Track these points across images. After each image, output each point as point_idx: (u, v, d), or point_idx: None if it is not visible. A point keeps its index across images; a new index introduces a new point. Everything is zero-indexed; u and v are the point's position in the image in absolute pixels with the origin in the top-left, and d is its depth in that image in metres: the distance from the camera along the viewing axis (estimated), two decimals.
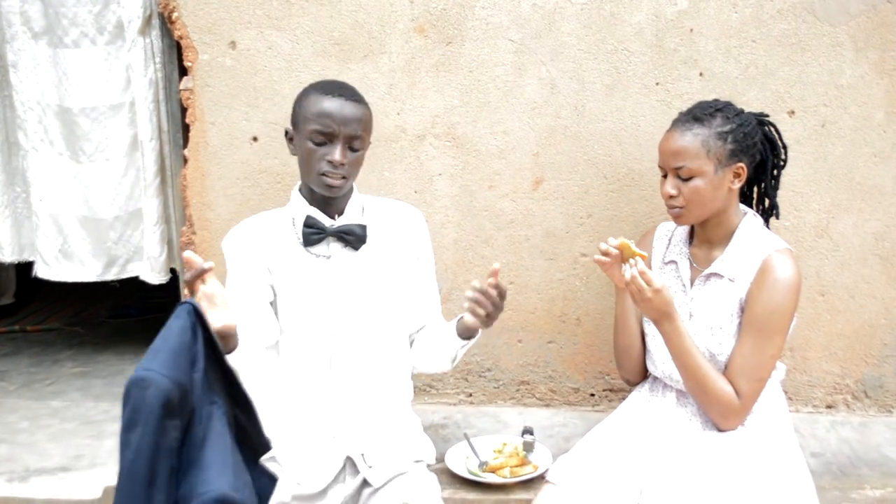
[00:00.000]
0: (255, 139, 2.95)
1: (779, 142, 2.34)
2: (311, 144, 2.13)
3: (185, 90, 2.98)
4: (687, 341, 2.12)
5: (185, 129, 3.07)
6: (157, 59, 3.31)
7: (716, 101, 2.25)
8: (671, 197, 2.19)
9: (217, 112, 2.96)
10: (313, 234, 2.20)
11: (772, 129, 2.34)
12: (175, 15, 2.94)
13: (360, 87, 2.84)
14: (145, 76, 3.27)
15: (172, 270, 3.49)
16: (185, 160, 3.03)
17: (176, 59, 3.08)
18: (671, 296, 2.10)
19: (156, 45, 3.30)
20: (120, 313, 4.64)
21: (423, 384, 3.04)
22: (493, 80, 2.87)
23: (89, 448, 2.94)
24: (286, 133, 2.25)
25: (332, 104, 2.13)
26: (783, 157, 2.35)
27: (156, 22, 3.28)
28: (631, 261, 2.08)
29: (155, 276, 3.46)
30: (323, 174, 2.13)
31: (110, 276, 3.60)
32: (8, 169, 3.57)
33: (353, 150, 2.16)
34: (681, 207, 2.19)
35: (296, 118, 2.20)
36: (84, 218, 3.50)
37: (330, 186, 2.14)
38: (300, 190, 2.28)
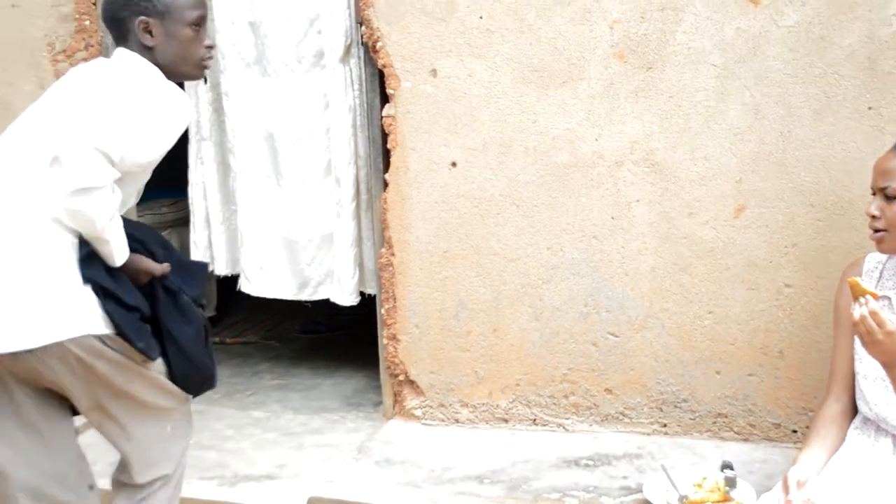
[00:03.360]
0: (453, 164, 3.02)
1: None
2: (191, 32, 2.15)
3: (387, 117, 3.09)
4: None
5: (385, 153, 3.18)
6: (356, 87, 3.44)
7: None
8: (873, 218, 2.08)
9: (417, 138, 3.05)
10: None
11: None
12: (379, 44, 3.05)
13: (559, 114, 2.90)
14: (345, 103, 3.40)
15: (361, 294, 3.59)
16: (386, 184, 3.13)
17: (378, 86, 3.18)
18: None
19: (354, 73, 3.44)
20: (311, 329, 4.83)
21: (616, 412, 3.01)
22: (694, 106, 2.82)
23: (291, 458, 3.06)
24: (142, 24, 2.10)
25: None
26: None
27: (355, 50, 3.42)
28: (861, 299, 1.96)
29: (346, 297, 3.57)
30: (203, 59, 2.21)
31: (303, 296, 3.75)
32: (224, 189, 3.80)
33: None
34: (883, 231, 2.08)
35: (161, 8, 2.12)
36: (283, 239, 3.66)
37: (207, 69, 2.25)
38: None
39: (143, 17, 2.09)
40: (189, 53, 2.16)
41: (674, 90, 2.83)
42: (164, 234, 4.25)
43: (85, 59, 3.40)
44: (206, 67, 2.24)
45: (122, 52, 2.13)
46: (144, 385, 2.12)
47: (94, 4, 3.40)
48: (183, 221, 4.48)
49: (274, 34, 3.48)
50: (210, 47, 2.22)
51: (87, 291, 1.97)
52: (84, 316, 1.97)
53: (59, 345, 1.93)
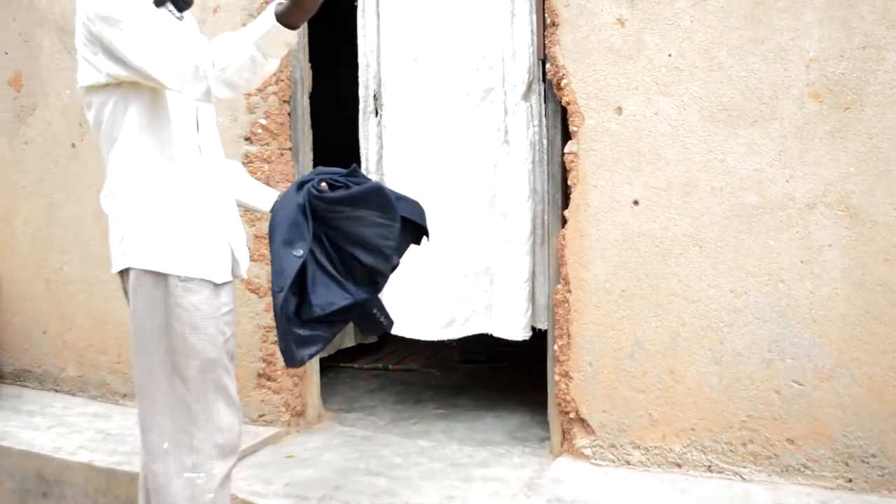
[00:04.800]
0: (635, 203, 2.99)
1: None
2: None
3: (569, 153, 3.09)
4: None
5: (564, 190, 3.18)
6: (535, 123, 3.46)
7: None
8: None
9: (599, 175, 3.04)
10: None
11: None
12: (564, 82, 3.07)
13: (748, 154, 2.84)
14: (526, 138, 3.42)
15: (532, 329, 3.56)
16: (564, 221, 3.13)
17: (559, 122, 3.19)
18: None
19: (534, 109, 3.46)
20: (469, 359, 4.86)
21: (798, 463, 2.89)
22: (895, 148, 2.70)
23: (459, 490, 3.07)
24: None
25: None
26: None
27: (536, 87, 3.44)
28: None
29: (517, 332, 3.54)
30: None
31: (447, 334, 3.69)
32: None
33: None
34: None
35: None
36: (429, 274, 3.64)
37: None
38: None
39: None
40: None
41: (873, 131, 2.72)
42: None
43: (275, 93, 3.55)
44: None
45: None
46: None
47: None
48: None
49: (440, 69, 3.51)
50: None
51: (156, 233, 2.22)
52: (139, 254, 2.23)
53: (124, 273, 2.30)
